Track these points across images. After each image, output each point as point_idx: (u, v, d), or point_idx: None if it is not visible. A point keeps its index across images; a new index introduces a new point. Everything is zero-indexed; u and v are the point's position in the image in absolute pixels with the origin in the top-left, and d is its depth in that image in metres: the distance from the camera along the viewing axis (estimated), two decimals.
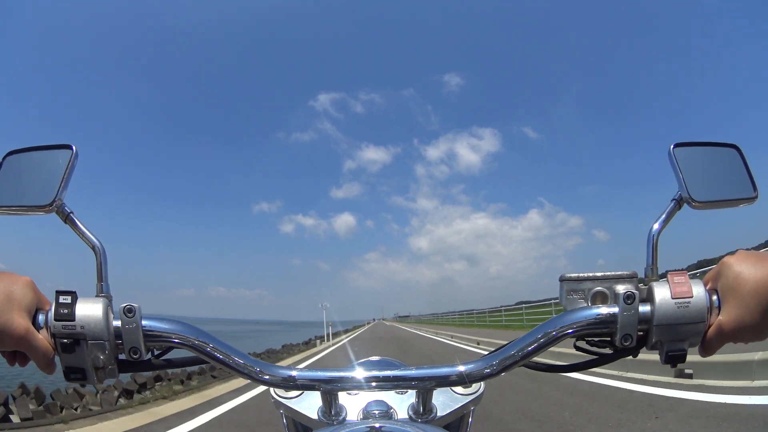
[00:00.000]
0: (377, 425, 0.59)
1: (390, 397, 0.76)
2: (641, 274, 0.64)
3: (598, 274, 0.64)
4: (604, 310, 0.61)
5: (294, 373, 0.63)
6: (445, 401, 0.75)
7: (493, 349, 0.66)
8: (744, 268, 0.55)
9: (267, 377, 0.63)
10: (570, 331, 0.61)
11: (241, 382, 8.31)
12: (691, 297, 0.57)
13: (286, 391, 0.76)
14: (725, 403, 4.25)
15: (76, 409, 6.00)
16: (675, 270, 0.59)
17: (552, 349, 0.63)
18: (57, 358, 0.59)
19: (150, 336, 0.61)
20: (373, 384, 0.64)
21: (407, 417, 0.73)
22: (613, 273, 0.64)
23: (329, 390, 0.66)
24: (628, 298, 0.59)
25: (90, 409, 6.05)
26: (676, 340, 0.58)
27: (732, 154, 0.71)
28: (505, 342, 0.66)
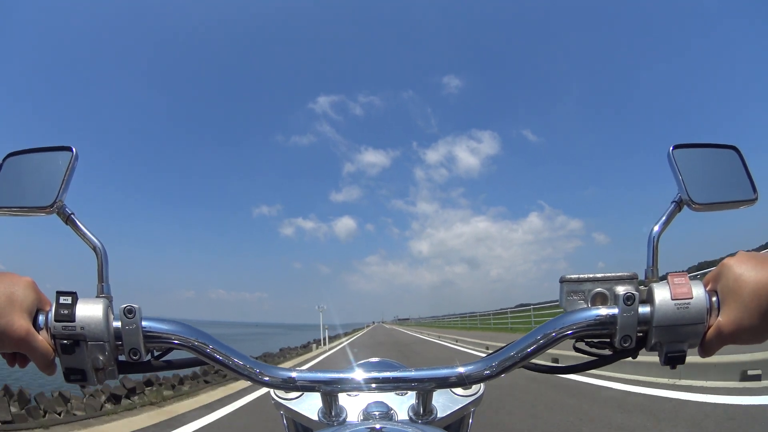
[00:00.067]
0: (377, 426, 0.59)
1: (390, 398, 0.76)
2: (641, 276, 0.64)
3: (598, 275, 0.64)
4: (603, 311, 0.61)
5: (294, 374, 0.63)
6: (445, 402, 0.75)
7: (491, 351, 0.67)
8: (744, 270, 0.55)
9: (267, 378, 0.63)
10: (569, 332, 0.61)
11: (235, 387, 8.07)
12: (691, 298, 0.57)
13: (287, 393, 0.76)
14: None
15: (59, 414, 5.77)
16: (675, 272, 0.59)
17: (550, 351, 0.63)
18: (57, 359, 0.58)
19: (150, 337, 0.61)
20: (373, 385, 0.64)
21: (407, 418, 0.73)
22: (613, 274, 0.64)
23: (329, 391, 0.66)
24: (628, 299, 0.59)
25: (74, 414, 5.84)
26: (675, 341, 0.58)
27: (731, 156, 0.71)
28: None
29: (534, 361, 0.65)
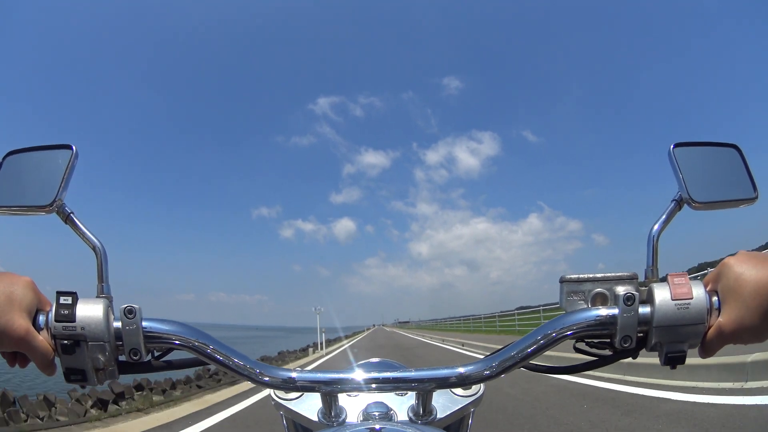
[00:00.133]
0: (377, 427, 0.59)
1: (390, 398, 0.76)
2: (641, 276, 0.64)
3: (599, 275, 0.64)
4: (603, 311, 0.61)
5: (294, 374, 0.63)
6: (445, 403, 0.75)
7: (490, 352, 0.67)
8: (745, 270, 0.55)
9: (267, 379, 0.63)
10: (569, 332, 0.61)
11: (230, 393, 7.83)
12: (691, 298, 0.57)
13: (286, 393, 0.76)
14: None
15: (42, 419, 5.57)
16: (675, 272, 0.59)
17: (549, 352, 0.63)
18: (57, 360, 0.58)
19: (150, 337, 0.61)
20: (373, 386, 0.64)
21: (407, 418, 0.73)
22: (613, 274, 0.63)
23: (329, 392, 0.66)
24: (628, 299, 0.59)
25: (57, 420, 5.61)
26: (675, 342, 0.58)
27: (732, 154, 0.71)
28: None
29: (534, 361, 0.65)
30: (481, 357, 0.66)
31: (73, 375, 0.59)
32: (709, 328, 0.57)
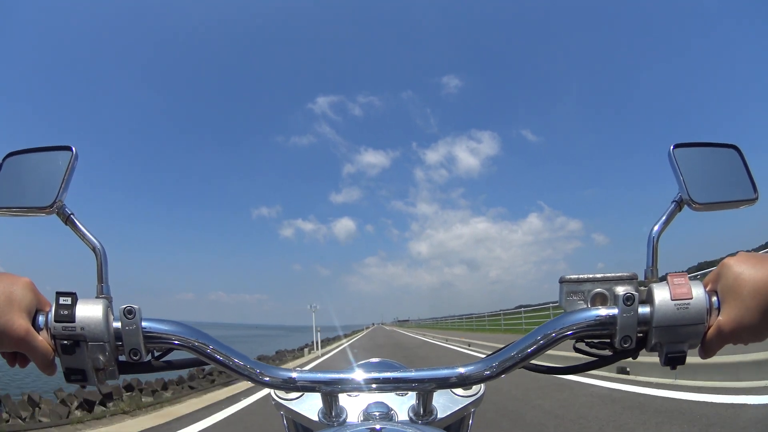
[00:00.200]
0: (378, 427, 0.59)
1: (390, 398, 0.76)
2: (641, 276, 0.64)
3: (598, 275, 0.64)
4: (603, 311, 0.61)
5: (294, 374, 0.63)
6: (445, 403, 0.75)
7: (491, 352, 0.67)
8: (744, 270, 0.55)
9: (267, 379, 0.63)
10: (569, 332, 0.61)
11: (223, 395, 7.60)
12: (691, 298, 0.57)
13: (287, 393, 0.76)
14: None
15: (23, 419, 5.45)
16: (675, 272, 0.59)
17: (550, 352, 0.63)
18: (57, 360, 0.58)
19: (150, 337, 0.61)
20: (374, 386, 0.64)
21: (408, 419, 0.73)
22: (613, 274, 0.63)
23: (330, 392, 0.66)
24: (628, 299, 0.59)
25: (39, 421, 5.46)
26: (675, 342, 0.58)
27: (732, 155, 0.71)
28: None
29: (534, 361, 0.65)
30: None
31: (73, 375, 0.59)
32: (709, 328, 0.57)
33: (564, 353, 6.06)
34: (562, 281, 0.65)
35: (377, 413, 0.72)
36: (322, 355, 17.27)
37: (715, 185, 0.69)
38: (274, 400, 0.77)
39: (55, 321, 0.57)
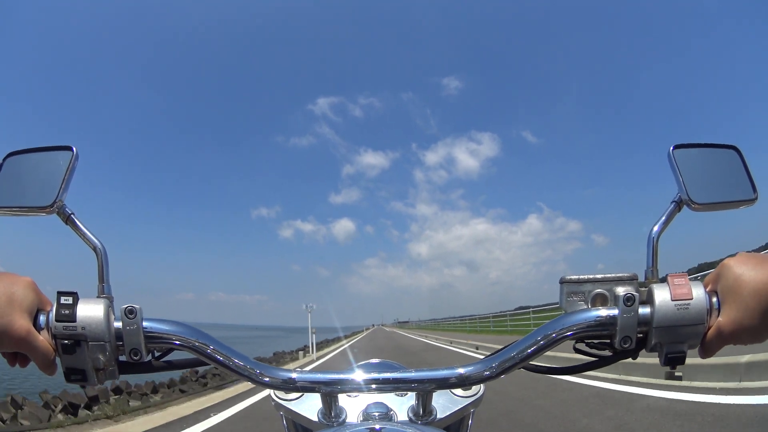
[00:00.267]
0: (377, 427, 0.59)
1: (390, 399, 0.76)
2: (641, 277, 0.64)
3: (598, 276, 0.64)
4: (603, 312, 0.61)
5: (294, 375, 0.63)
6: (445, 403, 0.75)
7: (490, 352, 0.67)
8: (744, 270, 0.56)
9: (267, 379, 0.63)
10: (569, 333, 0.61)
11: (214, 399, 7.23)
12: (691, 299, 0.57)
13: (287, 393, 0.76)
14: None
15: (4, 422, 5.28)
16: (675, 273, 0.59)
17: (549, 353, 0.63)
18: (58, 359, 0.58)
19: (151, 337, 0.61)
20: (373, 386, 0.64)
21: (407, 419, 0.73)
22: (613, 275, 0.64)
23: (329, 392, 0.66)
24: (628, 300, 0.59)
25: (21, 424, 5.30)
26: (675, 342, 0.58)
27: (731, 156, 0.71)
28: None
29: (533, 362, 0.65)
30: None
31: (74, 375, 0.59)
32: (709, 328, 0.57)
33: (562, 354, 5.88)
34: (562, 282, 0.65)
35: (377, 414, 0.72)
36: (318, 359, 16.02)
37: (715, 186, 0.69)
38: (273, 400, 0.77)
39: (56, 321, 0.57)
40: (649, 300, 0.59)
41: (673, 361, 0.59)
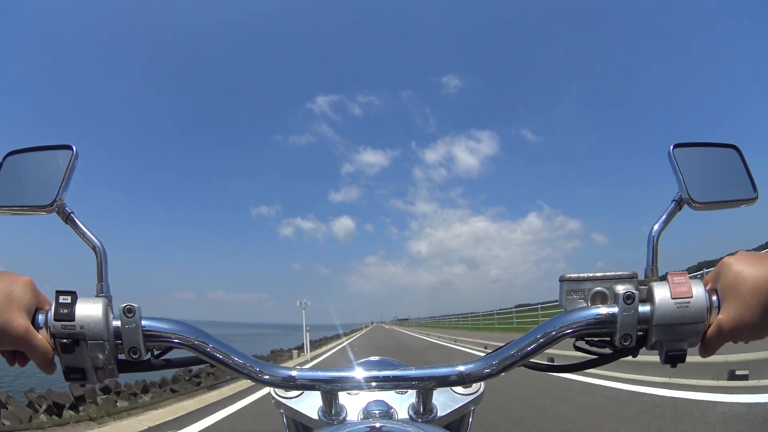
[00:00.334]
0: (377, 425, 0.60)
1: (390, 397, 0.76)
2: (641, 275, 0.64)
3: (598, 274, 0.64)
4: (603, 310, 0.61)
5: (294, 373, 0.63)
6: (445, 401, 0.75)
7: (491, 350, 0.67)
8: (744, 268, 0.56)
9: (267, 377, 0.63)
10: (569, 331, 0.61)
11: (206, 401, 6.91)
12: (691, 297, 0.57)
13: (287, 391, 0.76)
14: None
15: None
16: (675, 271, 0.59)
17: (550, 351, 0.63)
18: (57, 358, 0.58)
19: (150, 336, 0.61)
20: (373, 384, 0.64)
21: (407, 417, 0.73)
22: (613, 273, 0.64)
23: (329, 390, 0.66)
24: (628, 298, 0.59)
25: (3, 423, 5.10)
26: (675, 340, 0.58)
27: (732, 155, 0.71)
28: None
29: (533, 359, 0.65)
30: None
31: (73, 374, 0.59)
32: (709, 326, 0.57)
33: (562, 352, 5.76)
34: (562, 280, 0.66)
35: (377, 411, 0.72)
36: (312, 359, 15.05)
37: (715, 185, 0.69)
38: (273, 398, 0.77)
39: (55, 320, 0.57)
40: (649, 298, 0.59)
41: (673, 359, 0.59)
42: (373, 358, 0.88)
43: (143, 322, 0.60)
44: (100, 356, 0.59)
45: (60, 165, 0.67)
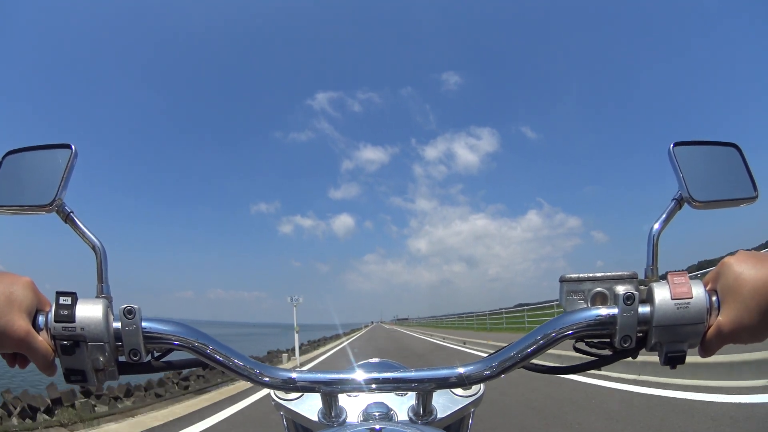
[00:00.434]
0: (377, 427, 0.59)
1: (390, 398, 0.76)
2: (641, 275, 0.64)
3: (598, 274, 0.64)
4: (603, 311, 0.61)
5: (294, 375, 0.63)
6: (445, 403, 0.75)
7: (492, 351, 0.67)
8: (744, 269, 0.55)
9: (267, 379, 0.63)
10: (569, 332, 0.61)
11: (194, 407, 6.55)
12: (691, 298, 0.57)
13: (287, 393, 0.76)
14: None
15: None
16: (675, 271, 0.59)
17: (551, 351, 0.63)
18: (57, 360, 0.58)
19: (150, 338, 0.61)
20: (373, 386, 0.64)
21: (407, 419, 0.73)
22: (613, 273, 0.63)
23: (329, 392, 0.66)
24: (628, 299, 0.59)
25: None
26: (675, 341, 0.58)
27: (732, 154, 0.71)
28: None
29: (534, 361, 0.65)
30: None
31: (73, 376, 0.59)
32: (709, 327, 0.57)
33: (561, 352, 5.40)
34: (562, 280, 0.65)
35: (377, 413, 0.72)
36: (302, 365, 12.81)
37: (715, 183, 0.69)
38: (273, 400, 0.77)
39: (55, 321, 0.57)
40: (649, 299, 0.59)
41: (673, 360, 0.59)
42: (372, 360, 0.88)
43: (143, 324, 0.60)
44: (101, 358, 0.58)
45: (59, 164, 0.67)
